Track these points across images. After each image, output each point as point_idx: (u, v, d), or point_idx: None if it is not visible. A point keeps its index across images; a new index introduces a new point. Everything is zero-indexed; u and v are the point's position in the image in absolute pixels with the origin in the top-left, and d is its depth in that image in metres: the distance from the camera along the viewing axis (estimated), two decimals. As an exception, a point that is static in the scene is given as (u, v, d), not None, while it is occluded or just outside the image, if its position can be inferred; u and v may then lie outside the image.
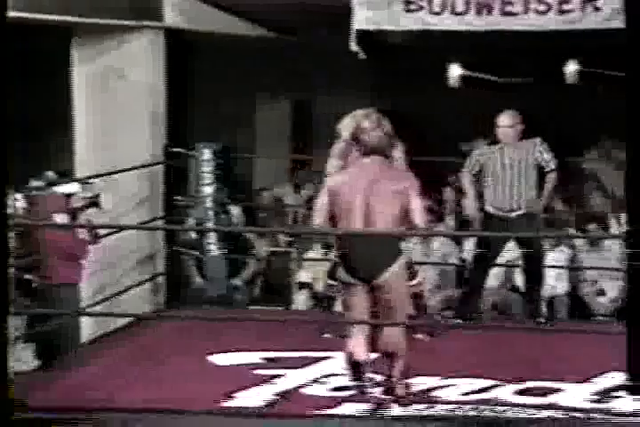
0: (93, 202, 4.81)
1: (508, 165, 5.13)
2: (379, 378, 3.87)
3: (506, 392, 3.96)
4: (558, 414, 3.70)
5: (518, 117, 5.22)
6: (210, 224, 5.61)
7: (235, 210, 6.13)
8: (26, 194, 5.04)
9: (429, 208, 4.18)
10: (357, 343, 3.72)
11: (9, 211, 3.75)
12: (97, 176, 5.02)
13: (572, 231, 6.29)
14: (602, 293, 6.11)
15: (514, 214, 5.09)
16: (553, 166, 5.18)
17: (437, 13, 5.41)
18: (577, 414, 3.70)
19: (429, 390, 3.97)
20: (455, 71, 8.50)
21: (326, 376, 4.21)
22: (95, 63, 5.45)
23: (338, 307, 4.77)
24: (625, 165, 4.28)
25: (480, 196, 5.21)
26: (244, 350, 4.58)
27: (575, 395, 3.94)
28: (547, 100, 8.38)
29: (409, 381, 3.80)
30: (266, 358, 4.49)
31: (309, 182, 8.02)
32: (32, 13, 4.78)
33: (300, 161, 8.41)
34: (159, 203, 5.66)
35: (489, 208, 5.17)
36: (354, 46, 5.60)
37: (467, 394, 3.94)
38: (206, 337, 4.70)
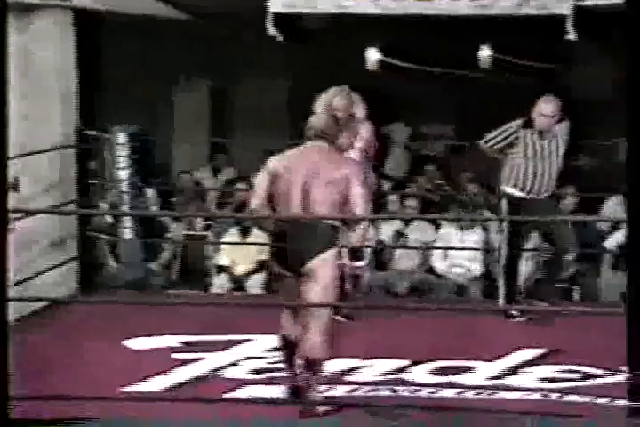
0: (12, 185, 4.68)
1: (547, 151, 4.99)
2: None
3: (420, 372, 4.03)
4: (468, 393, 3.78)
5: (559, 105, 5.06)
6: (125, 208, 5.53)
7: (151, 194, 6.06)
8: None
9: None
10: (288, 324, 3.63)
11: None
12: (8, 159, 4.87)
13: (486, 213, 6.41)
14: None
15: (541, 196, 5.00)
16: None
17: None
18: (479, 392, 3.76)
19: (348, 371, 4.02)
20: (373, 55, 8.55)
21: (245, 359, 4.23)
22: (2, 43, 5.28)
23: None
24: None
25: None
26: (162, 334, 4.55)
27: (485, 373, 4.03)
28: (464, 85, 8.52)
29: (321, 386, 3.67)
30: (184, 342, 4.47)
31: (228, 166, 7.98)
32: None
33: (218, 145, 8.36)
34: (72, 186, 5.55)
35: (512, 189, 5.03)
36: (271, 30, 5.58)
37: (383, 375, 3.99)
38: (122, 321, 4.65)
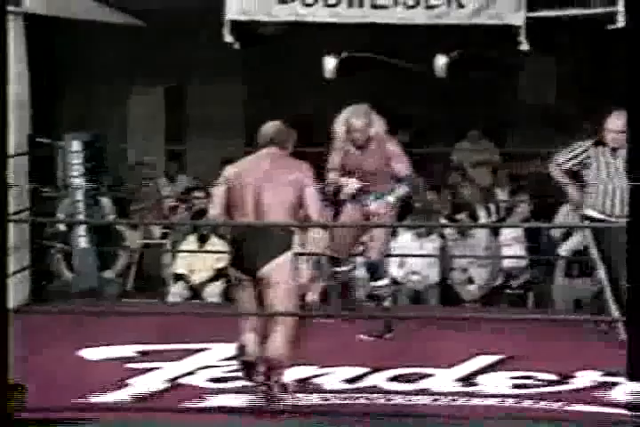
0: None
1: (621, 169, 4.66)
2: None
3: (379, 379, 4.04)
4: (426, 400, 3.80)
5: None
6: (80, 216, 5.47)
7: (106, 202, 6.00)
8: None
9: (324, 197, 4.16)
10: (247, 341, 3.63)
11: None
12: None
13: (442, 220, 6.46)
14: (471, 280, 6.31)
15: (621, 218, 4.57)
16: None
17: (309, 5, 5.46)
18: (443, 398, 3.80)
19: (307, 378, 4.01)
20: (330, 63, 8.58)
21: (203, 368, 4.20)
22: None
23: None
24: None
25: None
26: (117, 343, 4.50)
27: (444, 379, 4.05)
28: (420, 93, 8.58)
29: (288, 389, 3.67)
30: (140, 352, 4.43)
31: (182, 173, 7.93)
32: None
33: (174, 151, 8.32)
34: (24, 194, 5.47)
35: (591, 211, 4.80)
36: (227, 37, 5.58)
37: (345, 382, 3.99)
38: (76, 331, 4.59)
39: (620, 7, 5.35)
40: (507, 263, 6.28)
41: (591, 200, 4.79)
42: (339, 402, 3.73)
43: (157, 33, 7.31)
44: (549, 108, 7.73)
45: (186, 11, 6.57)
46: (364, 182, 4.71)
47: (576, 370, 4.08)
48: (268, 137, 3.65)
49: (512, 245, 6.30)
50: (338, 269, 4.89)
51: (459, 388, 3.95)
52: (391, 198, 4.71)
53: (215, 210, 3.63)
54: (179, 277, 6.22)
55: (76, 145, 5.45)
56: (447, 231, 6.33)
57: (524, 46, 5.53)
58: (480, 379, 4.07)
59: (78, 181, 5.46)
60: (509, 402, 3.75)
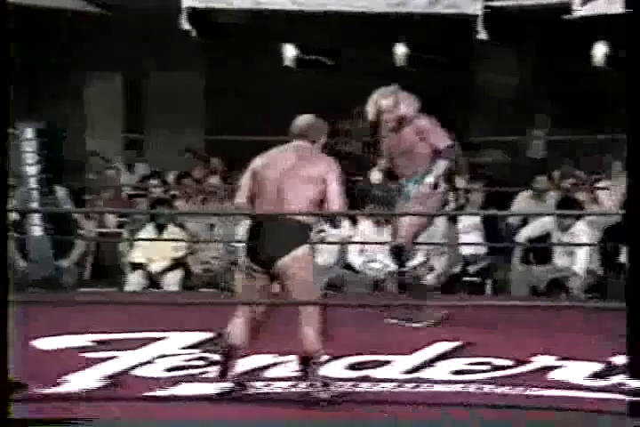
0: None
1: None
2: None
3: (338, 367, 4.05)
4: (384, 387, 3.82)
5: None
6: (34, 205, 5.40)
7: (61, 190, 5.92)
8: None
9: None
10: (235, 326, 3.61)
11: None
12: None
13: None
14: (431, 269, 6.34)
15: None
16: None
17: None
18: (394, 385, 3.81)
19: (265, 367, 4.00)
20: (290, 52, 8.56)
21: (161, 357, 4.17)
22: None
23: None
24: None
25: None
26: (72, 333, 4.45)
27: (403, 366, 4.08)
28: (378, 83, 8.57)
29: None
30: (96, 341, 4.38)
31: (141, 162, 7.86)
32: None
33: (132, 139, 8.24)
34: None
35: None
36: (185, 24, 5.53)
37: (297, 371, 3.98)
38: (30, 321, 4.52)
39: (576, -2, 5.39)
40: (465, 251, 6.32)
41: None
42: (300, 391, 3.73)
43: (117, 21, 7.23)
44: (509, 97, 7.78)
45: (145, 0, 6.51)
46: (404, 165, 4.60)
47: (533, 355, 4.13)
48: (298, 130, 3.65)
49: (470, 233, 6.34)
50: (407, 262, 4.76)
51: (414, 375, 3.97)
52: (430, 179, 4.57)
53: (240, 198, 3.65)
54: (137, 267, 6.18)
55: (29, 133, 5.37)
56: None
57: (482, 35, 5.57)
58: (437, 365, 4.09)
59: (32, 170, 5.39)
60: (471, 388, 3.78)
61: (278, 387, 3.76)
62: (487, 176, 7.04)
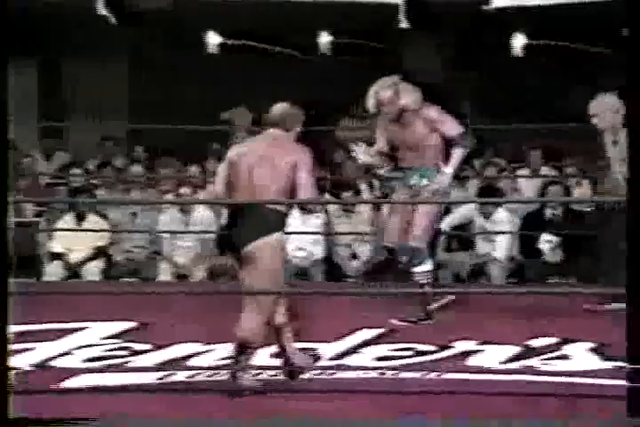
0: None
1: None
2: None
3: (261, 355, 4.03)
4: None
5: None
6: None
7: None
8: None
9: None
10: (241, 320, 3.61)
11: None
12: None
13: (327, 197, 6.49)
14: (355, 256, 6.37)
15: None
16: None
17: None
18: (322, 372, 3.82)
19: (193, 355, 3.98)
20: (213, 39, 8.48)
21: (80, 348, 4.09)
22: None
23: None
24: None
25: None
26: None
27: (327, 354, 4.08)
28: (305, 70, 8.57)
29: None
30: (13, 333, 4.26)
31: (60, 150, 7.68)
32: None
33: (50, 128, 8.05)
34: None
35: None
36: (102, 10, 5.41)
37: (225, 359, 3.97)
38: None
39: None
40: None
41: None
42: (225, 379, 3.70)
43: (35, 5, 7.03)
44: (433, 86, 7.85)
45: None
46: (411, 158, 4.47)
47: (455, 340, 4.19)
48: (272, 119, 3.71)
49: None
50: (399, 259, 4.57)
51: (338, 361, 3.98)
52: (449, 169, 4.40)
53: (217, 186, 3.70)
54: (56, 256, 6.05)
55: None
56: (331, 208, 6.36)
57: (404, 24, 5.59)
58: (361, 352, 4.12)
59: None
60: (388, 374, 3.81)
61: (203, 376, 3.73)
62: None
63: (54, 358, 3.98)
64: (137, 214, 6.40)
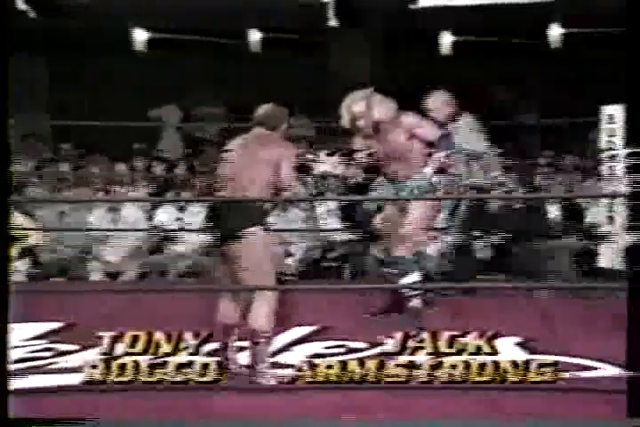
0: None
1: None
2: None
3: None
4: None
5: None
6: None
7: None
8: None
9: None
10: (224, 306, 3.74)
11: None
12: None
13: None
14: (289, 254, 6.36)
15: None
16: None
17: None
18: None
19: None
20: (140, 35, 8.36)
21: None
22: None
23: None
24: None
25: None
26: None
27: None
28: (236, 66, 8.52)
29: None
30: None
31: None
32: None
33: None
34: None
35: None
36: (22, 4, 5.29)
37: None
38: None
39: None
40: (324, 236, 6.37)
41: None
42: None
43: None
44: (364, 84, 7.88)
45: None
46: (396, 169, 4.40)
47: (388, 337, 4.19)
48: (257, 118, 3.84)
49: (328, 218, 6.39)
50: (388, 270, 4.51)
51: (272, 359, 3.96)
52: (428, 169, 4.36)
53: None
54: (24, 253, 5.93)
55: None
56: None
57: (333, 22, 5.59)
58: (294, 350, 4.10)
59: None
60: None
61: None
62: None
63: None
64: (65, 214, 6.30)
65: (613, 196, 5.24)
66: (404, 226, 4.42)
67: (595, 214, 5.88)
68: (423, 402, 3.42)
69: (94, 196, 6.42)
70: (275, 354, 4.02)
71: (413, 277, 4.45)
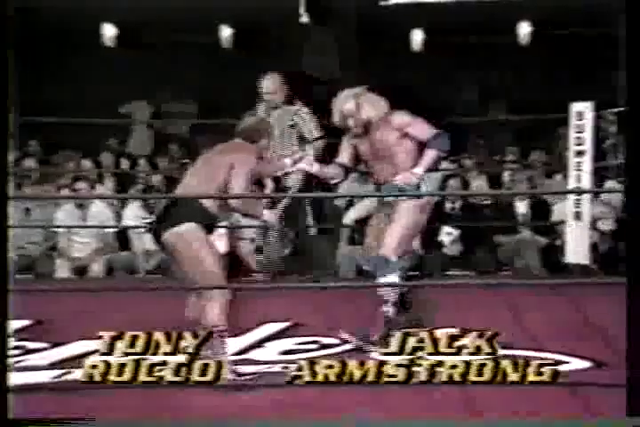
0: None
1: None
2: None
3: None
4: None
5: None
6: None
7: None
8: None
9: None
10: (191, 302, 3.79)
11: None
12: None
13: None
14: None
15: None
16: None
17: None
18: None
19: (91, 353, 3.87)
20: (109, 31, 8.30)
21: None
22: None
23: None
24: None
25: None
26: None
27: (231, 348, 4.04)
28: (207, 63, 8.49)
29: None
30: None
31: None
32: None
33: None
34: None
35: None
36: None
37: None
38: None
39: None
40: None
41: None
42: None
43: None
44: (333, 81, 7.90)
45: None
46: (383, 170, 4.24)
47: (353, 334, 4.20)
48: (238, 130, 3.87)
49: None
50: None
51: (242, 356, 3.96)
52: (418, 169, 4.17)
53: None
54: None
55: None
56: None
57: (304, 18, 5.59)
58: (266, 346, 4.11)
59: None
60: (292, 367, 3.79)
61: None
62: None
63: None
64: (30, 210, 6.24)
65: (580, 192, 5.29)
66: (392, 226, 4.27)
67: (562, 210, 5.94)
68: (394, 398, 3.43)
69: (59, 192, 6.38)
70: (246, 350, 4.02)
71: (391, 277, 4.29)
